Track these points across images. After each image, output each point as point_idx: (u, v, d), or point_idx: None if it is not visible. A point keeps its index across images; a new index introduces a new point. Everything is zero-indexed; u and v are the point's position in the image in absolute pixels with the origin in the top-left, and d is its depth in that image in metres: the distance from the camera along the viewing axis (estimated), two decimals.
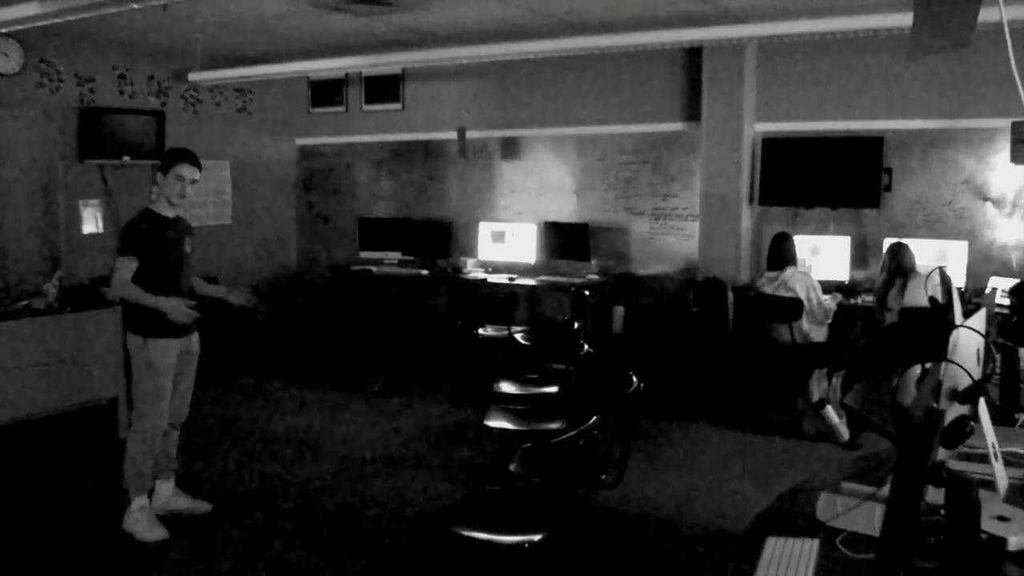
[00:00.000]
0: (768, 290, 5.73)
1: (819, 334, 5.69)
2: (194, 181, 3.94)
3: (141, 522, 3.88)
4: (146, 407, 3.90)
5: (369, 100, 8.34)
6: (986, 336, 2.17)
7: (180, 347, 3.97)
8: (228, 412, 6.00)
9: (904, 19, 4.33)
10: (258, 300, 4.41)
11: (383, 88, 8.19)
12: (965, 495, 1.62)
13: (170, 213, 3.96)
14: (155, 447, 3.94)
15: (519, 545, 2.64)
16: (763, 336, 5.77)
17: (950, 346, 1.88)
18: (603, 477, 3.03)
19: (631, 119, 7.02)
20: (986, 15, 2.32)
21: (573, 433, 3.30)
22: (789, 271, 5.70)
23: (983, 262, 5.76)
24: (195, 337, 4.10)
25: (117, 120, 6.98)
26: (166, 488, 4.16)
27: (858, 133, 6.14)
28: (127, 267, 3.80)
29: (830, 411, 5.93)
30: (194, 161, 3.95)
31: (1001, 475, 1.96)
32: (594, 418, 3.22)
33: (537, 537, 2.63)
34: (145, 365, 3.86)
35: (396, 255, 7.96)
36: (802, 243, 6.05)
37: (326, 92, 8.53)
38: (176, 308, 3.83)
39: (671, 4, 5.36)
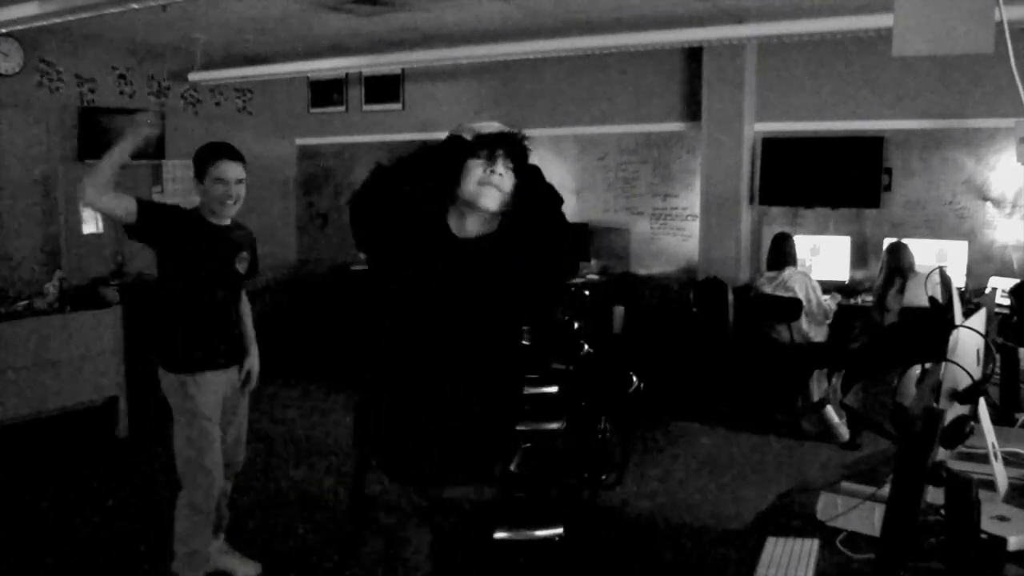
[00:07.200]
0: (768, 290, 5.72)
1: (819, 334, 5.68)
2: (239, 180, 3.20)
3: None
4: (193, 468, 3.16)
5: (369, 100, 8.33)
6: (986, 336, 2.17)
7: (228, 380, 3.28)
8: None
9: None
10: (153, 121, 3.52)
11: (383, 88, 8.18)
12: (965, 495, 1.62)
13: (221, 222, 3.25)
14: (211, 516, 3.24)
15: (538, 542, 2.62)
16: (763, 336, 5.76)
17: (950, 346, 1.88)
18: (604, 477, 3.03)
19: (631, 119, 7.02)
20: None
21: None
22: (788, 271, 5.69)
23: (983, 262, 5.76)
24: (249, 362, 3.38)
25: (117, 120, 6.96)
26: (214, 545, 3.45)
27: (858, 133, 6.14)
28: (121, 196, 3.16)
29: (830, 411, 5.92)
30: (232, 155, 3.21)
31: (1001, 475, 1.96)
32: (603, 419, 3.21)
33: (559, 530, 2.61)
34: (186, 411, 3.14)
35: None
36: (802, 243, 6.05)
37: (326, 92, 8.52)
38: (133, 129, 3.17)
39: (671, 4, 5.36)
